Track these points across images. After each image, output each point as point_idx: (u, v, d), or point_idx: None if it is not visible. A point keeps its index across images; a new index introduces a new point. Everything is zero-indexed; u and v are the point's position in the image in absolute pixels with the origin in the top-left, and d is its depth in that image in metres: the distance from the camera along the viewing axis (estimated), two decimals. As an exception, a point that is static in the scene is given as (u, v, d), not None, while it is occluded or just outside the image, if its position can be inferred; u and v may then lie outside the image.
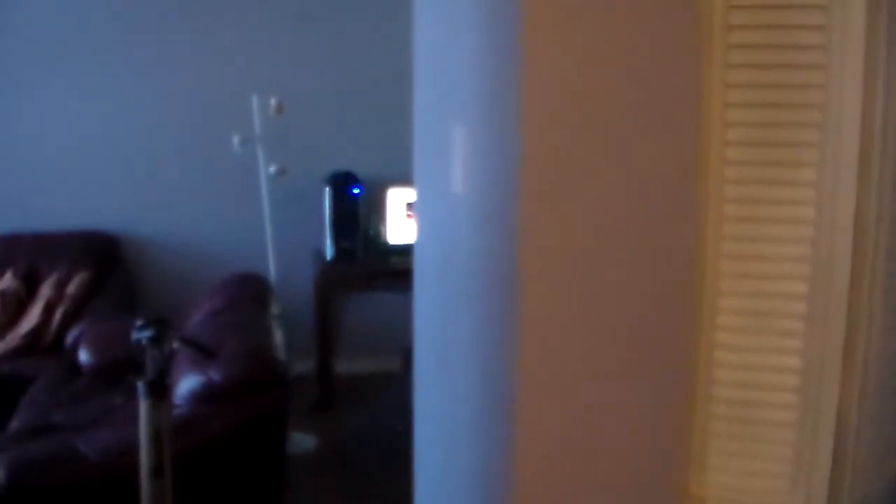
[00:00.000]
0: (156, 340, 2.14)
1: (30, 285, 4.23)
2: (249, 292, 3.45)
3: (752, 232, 1.45)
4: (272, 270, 4.30)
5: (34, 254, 4.32)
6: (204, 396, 2.53)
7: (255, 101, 4.23)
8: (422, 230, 2.26)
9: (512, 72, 1.42)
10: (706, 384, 1.50)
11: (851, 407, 1.47)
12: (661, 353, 1.46)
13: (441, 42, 1.95)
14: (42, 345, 3.95)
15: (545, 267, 1.42)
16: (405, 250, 4.37)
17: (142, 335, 2.15)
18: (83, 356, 3.59)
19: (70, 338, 3.85)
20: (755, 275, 1.46)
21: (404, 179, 4.35)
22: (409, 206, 4.55)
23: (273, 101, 4.18)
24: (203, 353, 2.46)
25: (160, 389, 2.09)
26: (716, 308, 1.48)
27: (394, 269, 4.47)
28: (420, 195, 2.26)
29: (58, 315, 4.03)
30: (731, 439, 1.52)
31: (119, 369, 3.43)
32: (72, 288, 4.17)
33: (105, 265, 4.43)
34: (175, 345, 2.26)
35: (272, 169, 4.24)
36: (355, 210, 4.50)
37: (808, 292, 1.44)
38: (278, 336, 2.97)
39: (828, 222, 1.42)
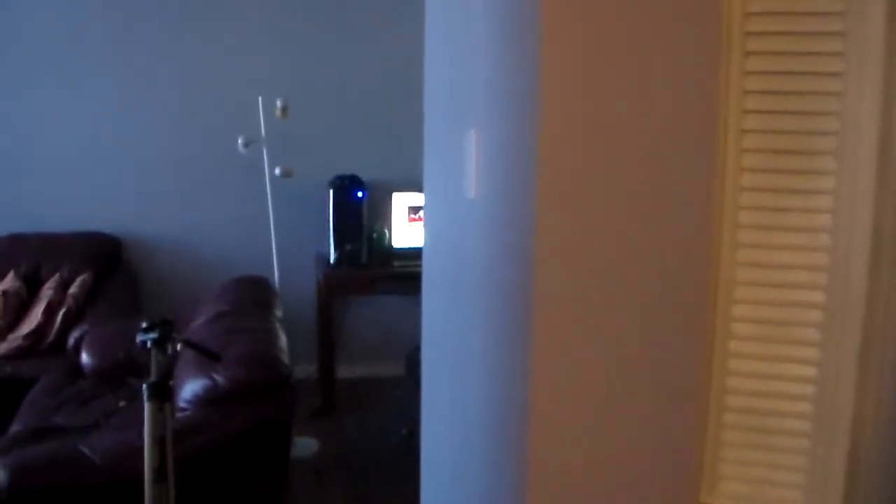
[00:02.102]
0: (160, 343, 2.13)
1: (32, 286, 4.22)
2: (254, 295, 3.44)
3: (768, 240, 1.44)
4: (276, 273, 4.28)
5: (37, 255, 4.31)
6: (208, 400, 2.52)
7: (260, 102, 4.22)
8: (431, 235, 2.25)
9: (529, 76, 1.41)
10: (719, 393, 1.49)
11: (867, 417, 1.46)
12: (675, 362, 1.45)
13: (454, 46, 1.94)
14: (43, 346, 3.94)
15: (560, 273, 1.40)
16: (409, 254, 4.41)
17: (146, 337, 2.14)
18: (85, 358, 3.58)
19: (72, 339, 3.85)
20: (771, 283, 1.44)
21: (408, 183, 4.37)
22: (413, 210, 4.55)
23: (279, 103, 4.17)
24: (208, 356, 2.45)
25: (164, 392, 2.07)
26: (730, 316, 1.47)
27: (397, 273, 4.48)
28: (430, 199, 2.24)
29: (59, 316, 4.02)
30: (744, 448, 1.50)
31: (121, 372, 3.44)
32: (74, 289, 4.16)
33: (108, 267, 4.43)
34: (179, 347, 2.25)
35: (277, 170, 4.23)
36: (359, 214, 4.50)
37: (824, 301, 1.43)
38: (283, 340, 2.96)
39: (845, 231, 1.40)
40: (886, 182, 1.39)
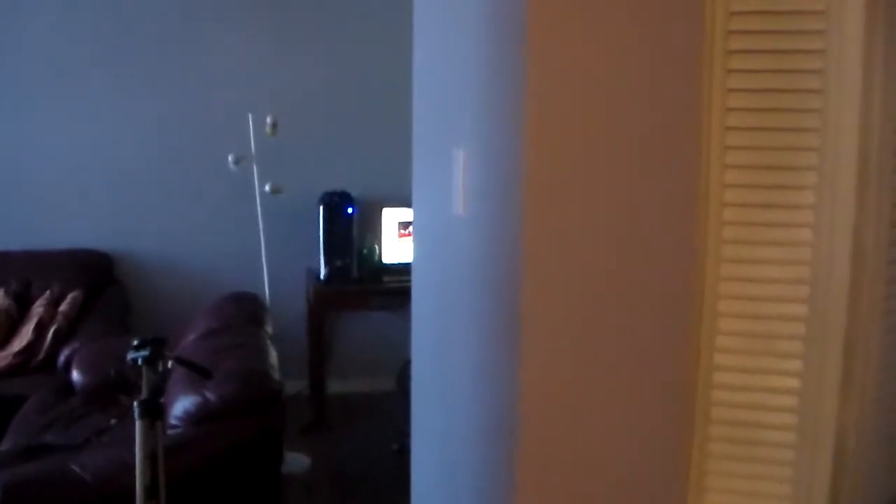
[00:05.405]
0: (151, 360, 2.14)
1: (22, 303, 4.21)
2: (244, 312, 3.44)
3: (751, 254, 1.46)
4: (266, 289, 4.29)
5: (27, 272, 4.31)
6: (199, 417, 2.52)
7: (250, 119, 4.23)
8: (420, 251, 2.26)
9: (516, 95, 1.43)
10: (705, 406, 1.50)
11: (850, 428, 1.47)
12: (660, 375, 1.47)
13: (442, 64, 1.96)
14: (34, 364, 3.93)
15: (547, 289, 1.42)
16: (399, 270, 4.42)
17: (137, 355, 2.14)
18: (76, 376, 3.57)
19: (62, 357, 3.84)
20: (754, 297, 1.46)
21: (398, 199, 4.39)
22: (403, 225, 4.57)
23: (269, 119, 4.19)
24: (198, 373, 2.45)
25: (155, 410, 2.08)
26: (715, 329, 1.49)
27: (387, 288, 4.49)
28: (419, 216, 2.26)
29: (50, 334, 4.01)
30: (729, 460, 1.51)
31: (112, 389, 3.43)
32: (64, 306, 4.15)
33: (98, 284, 4.42)
34: (170, 364, 2.26)
35: (267, 187, 4.24)
36: (349, 229, 4.51)
37: (806, 314, 1.45)
38: (273, 356, 2.96)
39: (826, 245, 1.43)
40: (866, 196, 1.42)
